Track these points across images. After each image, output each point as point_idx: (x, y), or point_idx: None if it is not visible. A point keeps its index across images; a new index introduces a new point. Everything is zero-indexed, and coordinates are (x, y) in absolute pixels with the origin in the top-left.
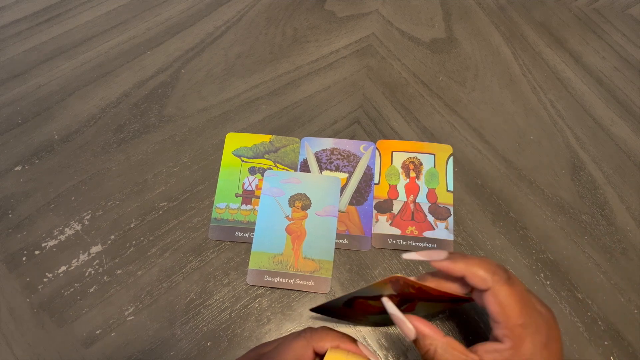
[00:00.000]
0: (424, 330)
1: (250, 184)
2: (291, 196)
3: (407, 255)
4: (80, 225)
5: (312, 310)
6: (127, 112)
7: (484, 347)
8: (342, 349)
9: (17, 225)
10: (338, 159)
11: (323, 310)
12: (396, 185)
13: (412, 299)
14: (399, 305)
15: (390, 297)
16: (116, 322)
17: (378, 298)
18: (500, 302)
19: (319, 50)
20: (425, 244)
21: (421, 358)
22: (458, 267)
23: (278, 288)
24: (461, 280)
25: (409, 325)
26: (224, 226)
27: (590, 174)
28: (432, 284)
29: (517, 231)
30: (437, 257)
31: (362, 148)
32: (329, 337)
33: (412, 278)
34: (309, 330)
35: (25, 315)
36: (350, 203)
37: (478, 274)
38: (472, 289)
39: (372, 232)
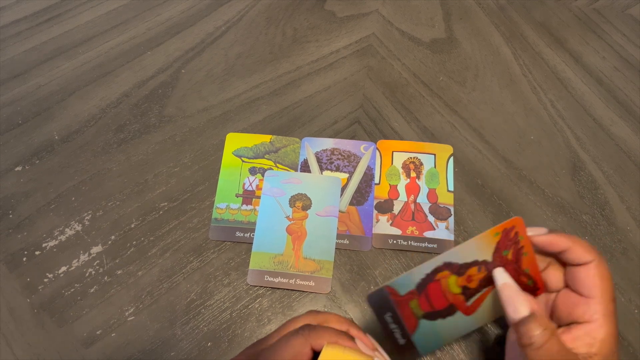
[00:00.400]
0: (538, 310)
1: (250, 184)
2: (292, 196)
3: (530, 230)
4: (80, 225)
5: (369, 299)
6: (128, 112)
7: (571, 336)
8: (340, 344)
9: (18, 226)
10: (338, 159)
11: (381, 300)
12: (397, 185)
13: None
14: (465, 299)
15: (468, 285)
16: (116, 323)
17: (469, 267)
18: (603, 275)
19: (319, 50)
20: (426, 244)
21: (519, 345)
22: (563, 240)
23: (278, 288)
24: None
25: (522, 298)
26: (224, 226)
27: (591, 174)
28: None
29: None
30: (538, 231)
31: (362, 148)
32: (327, 334)
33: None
34: (307, 327)
35: (26, 316)
36: (351, 203)
37: (584, 245)
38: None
39: (373, 232)
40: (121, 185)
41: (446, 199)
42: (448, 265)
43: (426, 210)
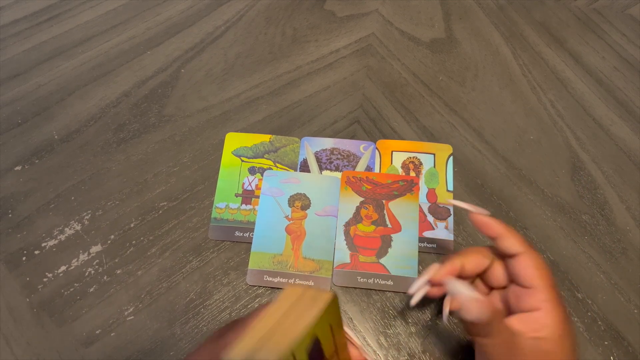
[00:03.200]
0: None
1: (250, 184)
2: (291, 196)
3: (453, 201)
4: (80, 225)
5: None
6: (127, 111)
7: (519, 322)
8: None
9: (17, 225)
10: (338, 158)
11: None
12: None
13: None
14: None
15: None
16: (116, 322)
17: None
18: (538, 264)
19: (319, 50)
20: (425, 244)
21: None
22: (497, 227)
23: (278, 288)
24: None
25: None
26: (223, 226)
27: (590, 174)
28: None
29: (517, 231)
30: (480, 211)
31: (362, 148)
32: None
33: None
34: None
35: (25, 315)
36: None
37: (516, 236)
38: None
39: None
40: (121, 184)
41: (445, 198)
42: None
43: (425, 210)
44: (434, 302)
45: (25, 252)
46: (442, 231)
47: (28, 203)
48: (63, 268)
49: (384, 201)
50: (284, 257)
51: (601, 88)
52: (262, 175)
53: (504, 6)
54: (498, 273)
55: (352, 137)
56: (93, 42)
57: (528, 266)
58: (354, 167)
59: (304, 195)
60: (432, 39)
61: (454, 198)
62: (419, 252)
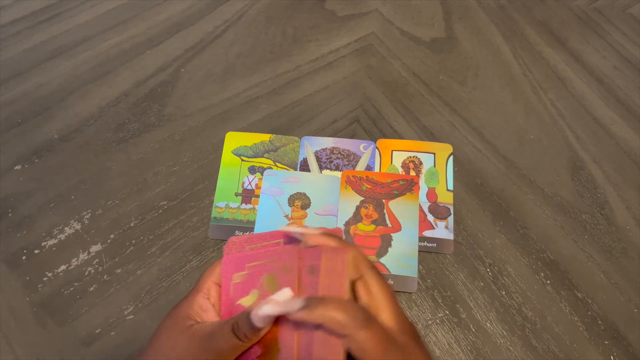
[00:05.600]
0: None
1: (250, 183)
2: (291, 195)
3: (260, 312)
4: (80, 224)
5: None
6: (127, 111)
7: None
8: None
9: (17, 225)
10: (338, 158)
11: None
12: None
13: None
14: None
15: None
16: (116, 321)
17: None
18: (361, 347)
19: (319, 50)
20: (425, 244)
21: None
22: (315, 316)
23: None
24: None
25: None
26: (223, 225)
27: (591, 173)
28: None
29: (517, 230)
30: (292, 307)
31: (362, 147)
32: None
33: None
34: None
35: (26, 315)
36: None
37: (336, 319)
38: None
39: None
40: (121, 184)
41: (446, 198)
42: None
43: (426, 210)
44: (434, 303)
45: (25, 251)
46: (442, 230)
47: (28, 202)
48: (63, 267)
49: (384, 200)
50: None
51: (602, 87)
52: (262, 175)
53: (504, 5)
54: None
55: (352, 137)
56: (93, 42)
57: (353, 349)
58: (354, 166)
59: (304, 194)
60: (432, 38)
61: (454, 197)
62: (419, 251)
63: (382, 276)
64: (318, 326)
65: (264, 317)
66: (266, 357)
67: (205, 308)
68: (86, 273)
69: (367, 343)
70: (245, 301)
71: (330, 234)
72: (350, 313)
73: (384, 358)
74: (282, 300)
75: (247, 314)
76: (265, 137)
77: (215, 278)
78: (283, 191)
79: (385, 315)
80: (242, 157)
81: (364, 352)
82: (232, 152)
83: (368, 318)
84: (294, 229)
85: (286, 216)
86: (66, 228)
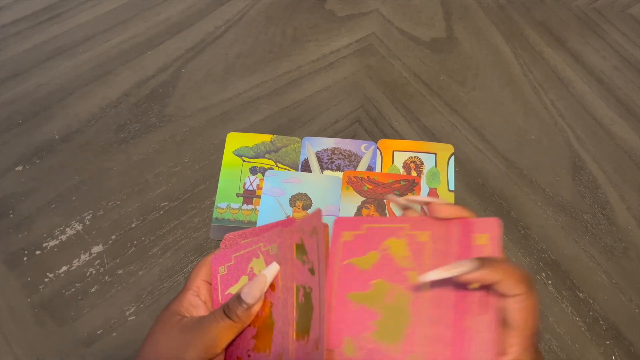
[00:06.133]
0: None
1: (251, 184)
2: (292, 196)
3: (428, 276)
4: (81, 225)
5: None
6: (128, 111)
7: None
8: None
9: (18, 225)
10: (339, 158)
11: None
12: None
13: None
14: None
15: None
16: (117, 322)
17: None
18: (529, 309)
19: (320, 50)
20: None
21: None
22: (495, 274)
23: None
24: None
25: None
26: (225, 226)
27: (591, 174)
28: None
29: (519, 230)
30: (466, 268)
31: (363, 148)
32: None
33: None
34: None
35: (26, 315)
36: None
37: (516, 276)
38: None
39: None
40: (122, 184)
41: (447, 198)
42: None
43: (427, 210)
44: None
45: (26, 252)
46: None
47: (29, 203)
48: (64, 268)
49: (385, 201)
50: None
51: (602, 87)
52: (263, 175)
53: (504, 6)
54: None
55: (353, 137)
56: (93, 42)
57: (520, 310)
58: (355, 167)
59: (305, 195)
60: (432, 38)
61: (455, 197)
62: None
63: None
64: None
65: (256, 297)
66: (262, 334)
67: (196, 304)
68: (87, 274)
69: (534, 307)
70: (235, 289)
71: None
72: (523, 274)
73: (533, 328)
74: (268, 274)
75: (237, 294)
76: (267, 137)
77: (204, 276)
78: (284, 192)
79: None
80: (243, 158)
81: (529, 315)
82: (233, 152)
83: (533, 285)
84: (419, 198)
85: (288, 217)
86: (67, 229)
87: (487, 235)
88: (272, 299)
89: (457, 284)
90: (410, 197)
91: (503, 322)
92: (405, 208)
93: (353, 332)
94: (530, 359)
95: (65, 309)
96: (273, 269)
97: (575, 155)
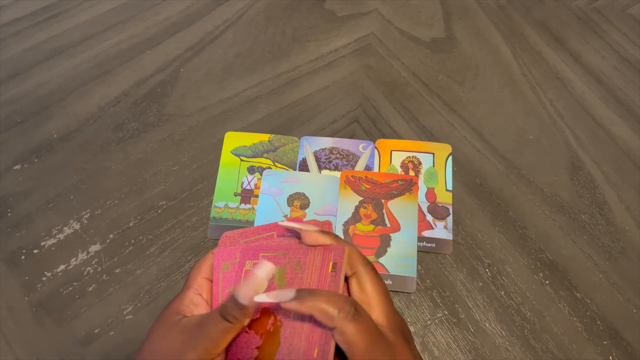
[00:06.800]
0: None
1: (249, 183)
2: (290, 195)
3: (257, 298)
4: (79, 224)
5: None
6: (127, 111)
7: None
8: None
9: (16, 224)
10: (337, 158)
11: None
12: None
13: None
14: None
15: None
16: (115, 321)
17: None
18: (347, 340)
19: (319, 50)
20: (424, 244)
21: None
22: (306, 306)
23: None
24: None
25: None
26: (223, 225)
27: (590, 174)
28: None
29: (516, 230)
30: (285, 297)
31: (361, 147)
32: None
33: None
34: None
35: (25, 314)
36: None
37: (325, 310)
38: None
39: None
40: (120, 183)
41: (445, 198)
42: None
43: (425, 210)
44: (432, 303)
45: (24, 251)
46: (441, 230)
47: (27, 202)
48: (62, 267)
49: (383, 201)
50: None
51: (601, 87)
52: (261, 175)
53: (504, 6)
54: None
55: (352, 137)
56: (92, 42)
57: (339, 341)
58: (353, 166)
59: (303, 194)
60: (432, 38)
61: (453, 197)
62: (418, 251)
63: (377, 273)
64: (310, 317)
65: (250, 297)
66: (265, 349)
67: (197, 303)
68: (85, 273)
69: (354, 336)
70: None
71: (327, 232)
72: (338, 305)
73: (369, 353)
74: (262, 274)
75: (232, 295)
76: (265, 137)
77: (205, 274)
78: (282, 191)
79: (377, 313)
80: (241, 157)
81: (350, 345)
82: (231, 152)
83: (357, 312)
84: (292, 224)
85: (285, 216)
86: (65, 228)
87: (336, 263)
88: (283, 318)
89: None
90: (284, 222)
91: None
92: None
93: (242, 356)
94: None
95: (63, 308)
96: (267, 268)
97: (574, 155)
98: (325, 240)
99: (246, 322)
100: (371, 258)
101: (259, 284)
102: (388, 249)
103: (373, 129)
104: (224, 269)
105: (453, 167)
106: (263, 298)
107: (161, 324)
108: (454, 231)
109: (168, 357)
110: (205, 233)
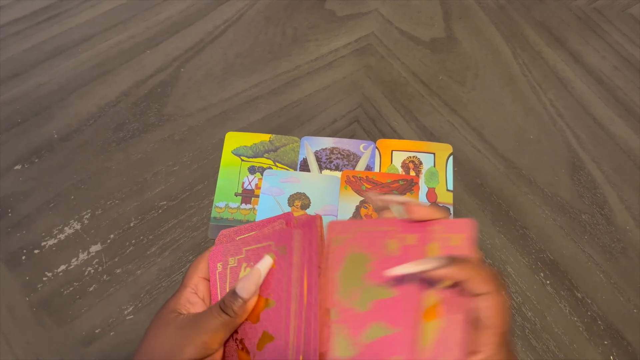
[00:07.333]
0: None
1: (249, 183)
2: (290, 195)
3: (396, 271)
4: (79, 224)
5: None
6: (127, 111)
7: None
8: None
9: (17, 224)
10: (338, 158)
11: None
12: None
13: None
14: None
15: None
16: (115, 321)
17: None
18: (499, 307)
19: (319, 50)
20: None
21: None
22: (464, 272)
23: None
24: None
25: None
26: (223, 225)
27: (590, 174)
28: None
29: (517, 230)
30: (434, 264)
31: (362, 147)
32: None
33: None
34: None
35: (25, 314)
36: None
37: (485, 275)
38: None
39: None
40: (120, 184)
41: (445, 198)
42: None
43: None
44: None
45: (25, 251)
46: None
47: (28, 202)
48: (63, 267)
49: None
50: None
51: (601, 87)
52: (261, 175)
53: (504, 6)
54: None
55: (352, 137)
56: (93, 42)
57: (490, 308)
58: (354, 166)
59: (304, 194)
60: (432, 38)
61: (454, 197)
62: None
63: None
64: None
65: (251, 291)
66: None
67: (193, 301)
68: (86, 273)
69: (504, 304)
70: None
71: (438, 207)
72: (492, 272)
73: (504, 326)
74: (263, 268)
75: (232, 290)
76: (265, 137)
77: (201, 273)
78: (283, 191)
79: None
80: (242, 157)
81: (500, 313)
82: (232, 152)
83: (502, 283)
84: (393, 198)
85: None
86: (66, 228)
87: (462, 235)
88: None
89: (426, 282)
90: (387, 196)
91: (475, 322)
92: (381, 209)
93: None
94: (503, 357)
95: (63, 308)
96: (266, 263)
97: (574, 155)
98: (435, 214)
99: (244, 317)
100: None
101: (259, 278)
102: None
103: (373, 129)
104: (219, 270)
105: (454, 167)
106: (409, 269)
107: (158, 322)
108: None
109: (167, 353)
110: (206, 233)
